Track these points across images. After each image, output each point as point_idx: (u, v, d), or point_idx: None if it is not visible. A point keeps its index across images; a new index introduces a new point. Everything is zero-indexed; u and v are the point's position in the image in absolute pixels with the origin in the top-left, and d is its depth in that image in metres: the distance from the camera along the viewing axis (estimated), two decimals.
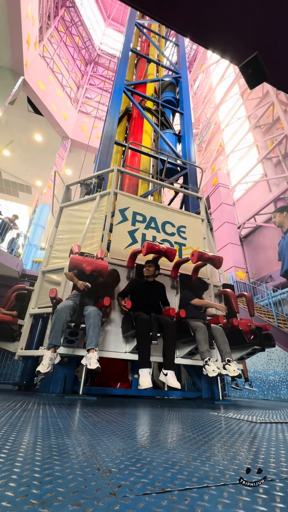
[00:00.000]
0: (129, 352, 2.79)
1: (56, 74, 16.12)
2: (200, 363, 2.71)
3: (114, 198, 3.80)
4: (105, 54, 21.41)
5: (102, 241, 3.42)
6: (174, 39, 10.01)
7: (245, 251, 12.69)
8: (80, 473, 0.59)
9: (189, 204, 5.27)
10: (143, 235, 3.68)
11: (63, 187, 4.44)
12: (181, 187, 5.85)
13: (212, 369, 2.45)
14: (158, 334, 2.52)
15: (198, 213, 4.59)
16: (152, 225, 3.84)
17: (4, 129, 14.37)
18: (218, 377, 3.12)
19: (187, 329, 2.72)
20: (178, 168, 6.11)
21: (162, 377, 2.39)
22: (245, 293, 4.07)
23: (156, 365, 3.64)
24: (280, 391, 5.86)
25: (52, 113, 14.70)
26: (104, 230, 3.48)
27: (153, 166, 6.29)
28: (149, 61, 7.75)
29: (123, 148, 6.06)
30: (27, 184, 18.89)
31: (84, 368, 2.43)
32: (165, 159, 5.37)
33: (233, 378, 2.56)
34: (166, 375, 2.35)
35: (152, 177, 5.36)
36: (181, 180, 6.29)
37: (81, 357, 2.39)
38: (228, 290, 3.69)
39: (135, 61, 8.62)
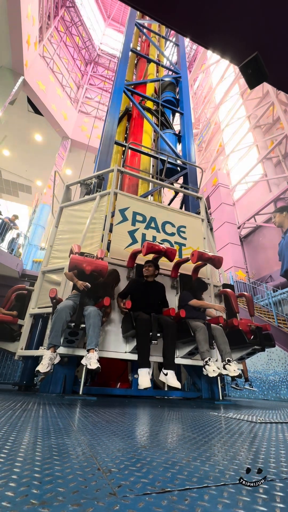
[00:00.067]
0: (129, 352, 2.79)
1: (56, 74, 16.12)
2: (200, 363, 2.71)
3: (114, 198, 3.80)
4: (105, 54, 21.42)
5: (102, 241, 3.42)
6: (174, 39, 10.00)
7: (245, 251, 12.69)
8: (80, 473, 0.59)
9: (189, 204, 5.26)
10: (143, 235, 3.68)
11: (63, 187, 4.44)
12: (181, 187, 5.85)
13: (212, 369, 2.45)
14: (158, 334, 2.52)
15: (198, 213, 4.59)
16: (152, 225, 3.84)
17: (4, 129, 14.37)
18: (218, 377, 3.13)
19: (187, 329, 2.72)
20: (178, 168, 6.11)
21: (162, 377, 2.39)
22: (245, 293, 4.07)
23: (156, 365, 3.64)
24: (280, 391, 5.86)
25: (52, 113, 14.70)
26: (104, 230, 3.48)
27: (153, 166, 6.29)
28: (149, 61, 7.75)
29: (123, 148, 6.06)
30: (27, 184, 18.90)
31: (84, 368, 2.44)
32: (165, 159, 5.37)
33: (233, 378, 2.56)
34: (166, 375, 2.35)
35: (152, 177, 5.36)
36: (181, 180, 6.28)
37: (81, 357, 2.39)
38: (228, 290, 3.69)
39: (135, 61, 8.61)
